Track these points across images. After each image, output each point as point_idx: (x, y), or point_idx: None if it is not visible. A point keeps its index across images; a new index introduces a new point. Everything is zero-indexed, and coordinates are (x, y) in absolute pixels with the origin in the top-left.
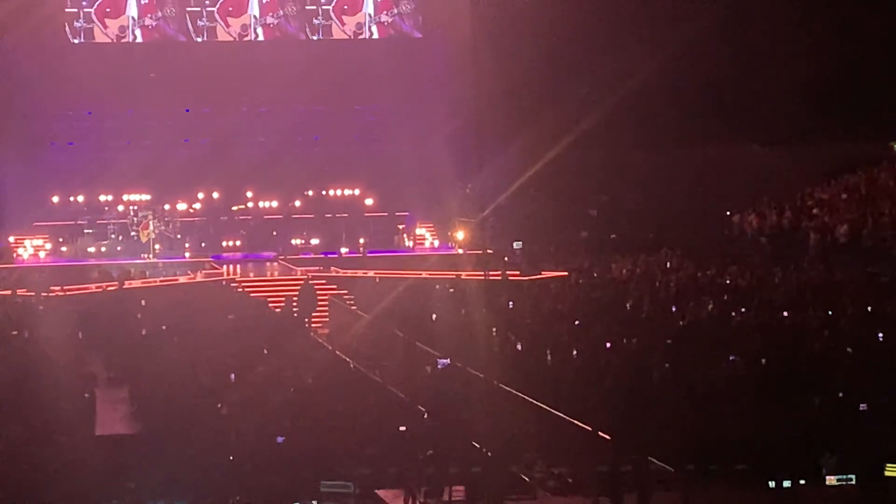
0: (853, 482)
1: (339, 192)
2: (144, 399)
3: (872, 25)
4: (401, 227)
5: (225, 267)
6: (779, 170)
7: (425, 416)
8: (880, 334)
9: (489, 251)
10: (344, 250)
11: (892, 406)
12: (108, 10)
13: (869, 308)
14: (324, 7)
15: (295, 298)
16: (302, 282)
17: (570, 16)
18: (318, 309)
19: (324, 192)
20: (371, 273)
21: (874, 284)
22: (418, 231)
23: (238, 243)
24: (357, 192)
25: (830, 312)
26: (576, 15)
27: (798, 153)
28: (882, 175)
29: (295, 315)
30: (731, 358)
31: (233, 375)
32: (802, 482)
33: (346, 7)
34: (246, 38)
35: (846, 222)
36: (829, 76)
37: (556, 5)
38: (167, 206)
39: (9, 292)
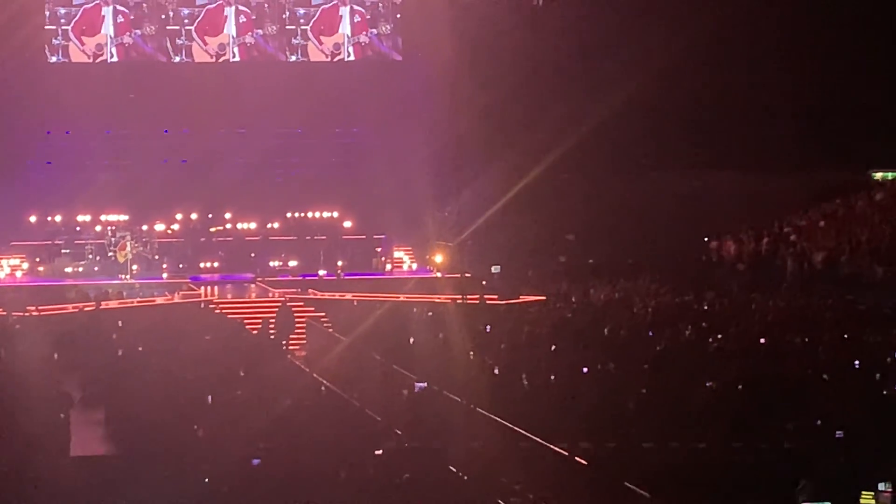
0: None
1: (317, 215)
2: (120, 420)
3: (851, 54)
4: (378, 249)
5: (203, 288)
6: (757, 197)
7: (403, 439)
8: (857, 362)
9: (467, 275)
10: (322, 273)
11: (867, 433)
12: (84, 27)
13: (846, 335)
14: (302, 27)
15: (272, 321)
16: (279, 304)
17: (549, 40)
18: (295, 331)
19: (302, 215)
20: (349, 296)
21: (851, 312)
22: (396, 254)
23: (216, 265)
24: (335, 214)
25: (807, 339)
26: (555, 40)
27: (776, 180)
28: (859, 203)
29: (272, 337)
30: (707, 384)
31: (210, 398)
32: None
33: (323, 27)
34: (223, 58)
35: (824, 249)
36: (808, 104)
37: (535, 30)
38: (145, 227)
39: None
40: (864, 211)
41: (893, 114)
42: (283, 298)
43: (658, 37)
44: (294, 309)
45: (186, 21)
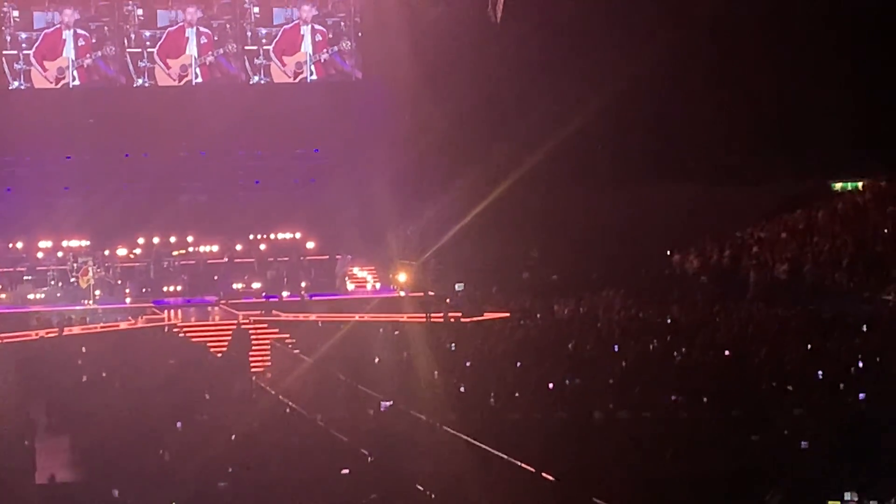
0: None
1: (280, 236)
2: (85, 446)
3: (811, 65)
4: (338, 257)
5: (166, 312)
6: (719, 209)
7: (369, 458)
8: (820, 372)
9: (431, 293)
10: (285, 294)
11: (833, 443)
12: (45, 52)
13: (809, 346)
14: (265, 47)
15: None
16: (234, 326)
17: (510, 57)
18: (260, 353)
19: (265, 236)
20: (313, 317)
21: (814, 322)
22: (360, 274)
23: (179, 288)
24: (298, 235)
25: (771, 350)
26: (516, 57)
27: (737, 192)
28: (820, 213)
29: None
30: (673, 397)
31: (179, 424)
32: None
33: (285, 48)
34: (186, 79)
35: (786, 260)
36: (768, 115)
37: (496, 46)
38: (107, 252)
39: None
40: (825, 221)
41: (852, 123)
42: (237, 320)
43: (618, 52)
44: (258, 330)
45: (148, 43)
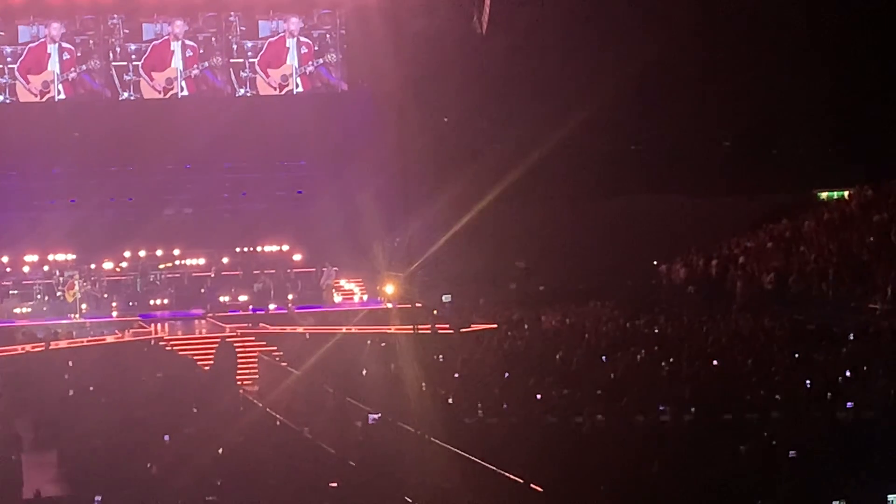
0: None
1: (267, 249)
2: (72, 460)
3: (796, 75)
4: (324, 269)
5: (153, 325)
6: (705, 219)
7: (357, 474)
8: (808, 381)
9: (418, 305)
10: (272, 306)
11: (820, 452)
12: (30, 67)
13: (797, 355)
14: (250, 60)
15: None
16: (220, 339)
17: (495, 69)
18: (247, 366)
19: (251, 249)
20: (300, 329)
21: (801, 332)
22: (346, 286)
23: (166, 301)
24: (286, 248)
25: (759, 360)
26: (501, 68)
27: (723, 203)
28: (806, 223)
29: (212, 372)
30: (661, 408)
31: (167, 437)
32: None
33: (270, 60)
34: (171, 92)
35: (772, 270)
36: (754, 125)
37: (481, 58)
38: (93, 266)
39: None
40: (811, 231)
41: (837, 133)
42: (223, 334)
43: (603, 64)
44: (246, 343)
45: (133, 56)
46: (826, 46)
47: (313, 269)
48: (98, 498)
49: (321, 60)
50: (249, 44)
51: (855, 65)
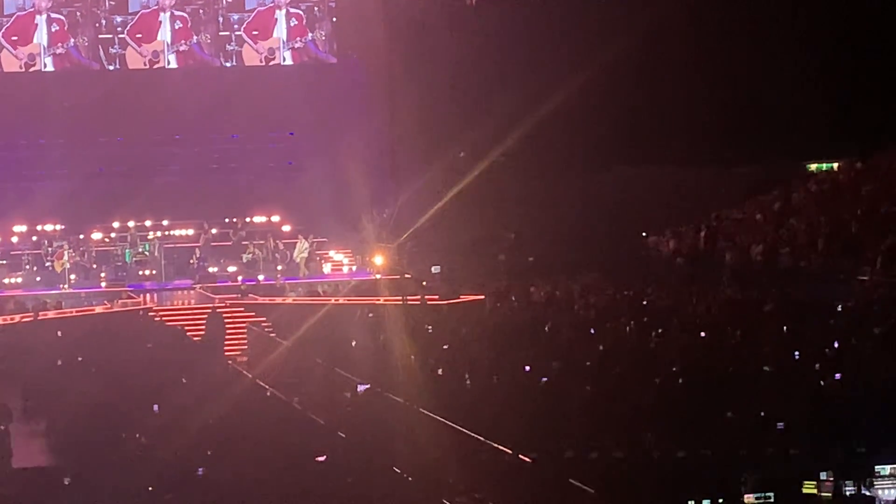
0: (772, 500)
1: (256, 219)
2: (61, 430)
3: (785, 46)
4: (318, 253)
5: (142, 296)
6: (694, 191)
7: (346, 444)
8: (796, 353)
9: (407, 276)
10: (261, 277)
11: (808, 424)
12: (15, 37)
13: (785, 327)
14: (236, 33)
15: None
16: (209, 310)
17: (484, 41)
18: (237, 337)
19: (240, 220)
20: (290, 300)
21: (790, 304)
22: (336, 256)
23: (154, 272)
24: (275, 218)
25: (748, 332)
26: (491, 40)
27: (712, 174)
28: (796, 195)
29: (202, 343)
30: (650, 379)
31: (156, 407)
32: (721, 501)
33: (256, 32)
34: (157, 65)
35: (761, 242)
36: (743, 97)
37: (471, 31)
38: (82, 236)
39: None
40: (800, 202)
41: (826, 104)
42: (212, 304)
43: (594, 36)
44: (235, 314)
45: (119, 29)
46: (818, 17)
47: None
48: (67, 480)
49: (310, 36)
50: (236, 16)
51: (847, 36)
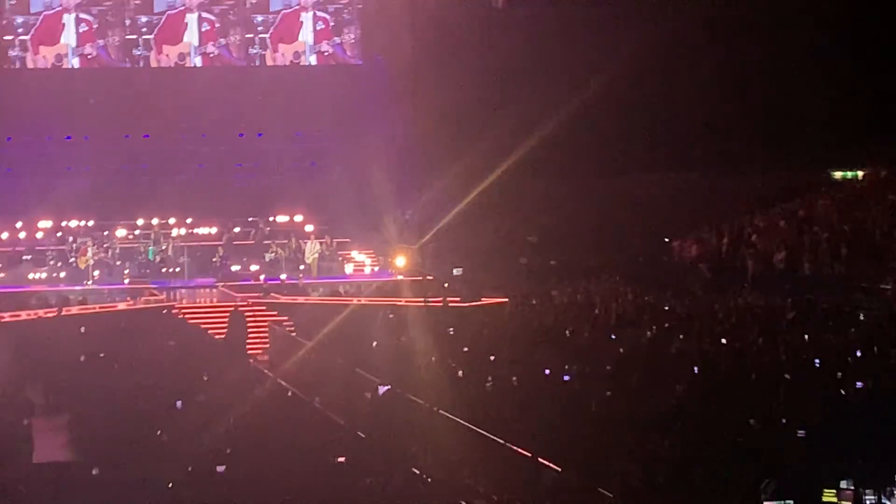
0: None
1: (280, 219)
2: (83, 426)
3: (811, 53)
4: (340, 253)
5: (165, 293)
6: (718, 197)
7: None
8: (817, 360)
9: (429, 277)
10: (283, 276)
11: (829, 432)
12: (42, 39)
13: (807, 335)
14: (261, 35)
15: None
16: (231, 309)
17: (509, 44)
18: (258, 336)
19: (264, 219)
20: (312, 300)
21: (812, 311)
22: (358, 257)
23: (178, 270)
24: (298, 218)
25: (769, 339)
26: (516, 43)
27: (736, 180)
28: (819, 202)
29: (224, 341)
30: (671, 384)
31: (179, 403)
32: None
33: (283, 36)
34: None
35: (784, 249)
36: (768, 103)
37: (497, 33)
38: (106, 233)
39: None
40: (823, 210)
41: (852, 113)
42: (235, 303)
43: (619, 40)
44: (257, 313)
45: (145, 30)
46: (843, 24)
47: (325, 241)
48: (95, 471)
49: (338, 40)
50: (260, 18)
51: (873, 43)
